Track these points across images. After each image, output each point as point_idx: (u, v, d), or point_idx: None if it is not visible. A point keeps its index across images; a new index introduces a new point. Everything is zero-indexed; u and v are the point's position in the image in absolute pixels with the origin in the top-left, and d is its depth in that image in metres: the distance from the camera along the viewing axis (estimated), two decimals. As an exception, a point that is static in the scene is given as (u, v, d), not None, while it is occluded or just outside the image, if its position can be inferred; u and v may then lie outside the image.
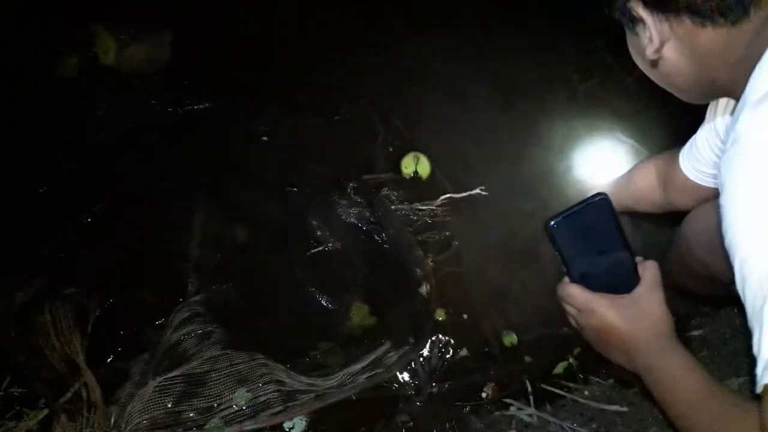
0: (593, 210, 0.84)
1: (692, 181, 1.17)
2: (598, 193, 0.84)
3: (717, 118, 1.03)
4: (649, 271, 0.88)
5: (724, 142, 1.00)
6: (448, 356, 1.61)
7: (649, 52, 0.79)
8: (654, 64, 0.83)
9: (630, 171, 1.45)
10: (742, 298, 0.65)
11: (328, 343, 1.63)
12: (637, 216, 1.55)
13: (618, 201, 1.39)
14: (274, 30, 2.19)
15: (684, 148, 1.19)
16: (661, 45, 0.78)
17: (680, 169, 1.18)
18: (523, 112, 2.02)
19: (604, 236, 0.86)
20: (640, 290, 0.87)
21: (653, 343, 0.83)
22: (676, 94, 0.90)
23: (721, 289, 1.20)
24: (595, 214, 0.84)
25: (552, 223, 0.84)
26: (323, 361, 1.58)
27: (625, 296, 0.87)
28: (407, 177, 1.92)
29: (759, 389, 0.61)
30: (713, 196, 1.14)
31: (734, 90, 0.75)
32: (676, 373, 0.80)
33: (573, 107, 2.06)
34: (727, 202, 0.66)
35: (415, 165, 1.91)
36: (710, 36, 0.73)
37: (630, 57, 0.91)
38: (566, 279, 0.90)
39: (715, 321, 1.59)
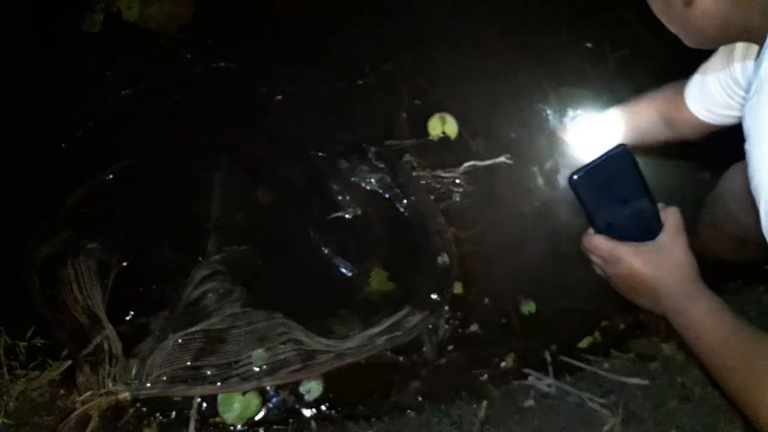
0: (614, 161, 0.86)
1: (700, 120, 1.17)
2: (619, 145, 0.86)
3: (735, 64, 1.04)
4: (671, 216, 0.90)
5: (746, 90, 1.01)
6: (459, 330, 1.60)
7: None
8: (687, 3, 0.80)
9: (630, 107, 1.45)
10: (766, 233, 0.65)
11: (346, 310, 1.63)
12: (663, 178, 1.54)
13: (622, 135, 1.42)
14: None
15: (690, 89, 1.20)
16: None
17: (687, 108, 1.17)
18: (551, 79, 1.97)
19: (626, 186, 0.87)
20: (664, 236, 0.88)
21: (679, 286, 0.85)
22: (690, 39, 0.88)
23: (754, 252, 1.20)
24: (616, 165, 0.86)
25: (575, 177, 0.86)
26: (341, 326, 1.58)
27: (649, 243, 0.88)
28: (435, 139, 1.89)
29: None
30: (721, 129, 1.18)
31: (760, 36, 0.74)
32: (703, 315, 0.81)
33: (603, 77, 2.01)
34: (753, 147, 0.67)
35: (443, 126, 1.88)
36: None
37: (662, 27, 0.89)
38: (591, 230, 0.92)
39: (741, 299, 1.56)
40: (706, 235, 1.43)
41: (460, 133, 1.89)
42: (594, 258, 0.93)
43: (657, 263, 0.86)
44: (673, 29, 0.88)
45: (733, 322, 0.79)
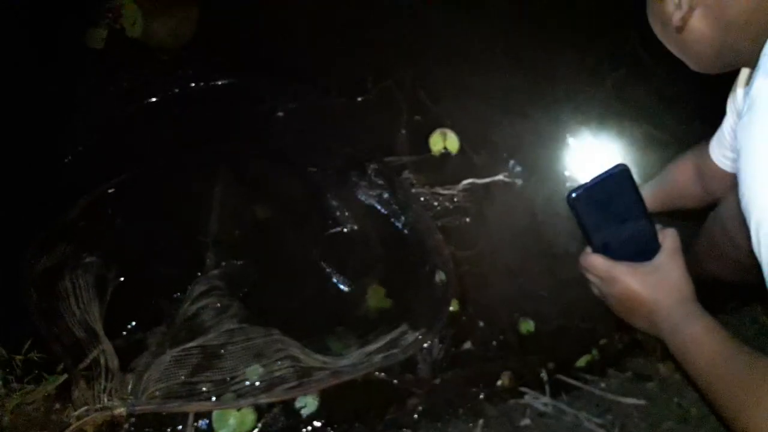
0: (613, 181, 0.86)
1: (723, 170, 1.16)
2: (618, 164, 0.86)
3: (738, 91, 1.04)
4: (669, 238, 0.90)
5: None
6: (456, 348, 1.60)
7: (677, 18, 0.78)
8: (679, 30, 0.81)
9: (666, 170, 1.44)
10: (759, 260, 0.65)
11: (343, 327, 1.63)
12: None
13: (660, 201, 1.40)
14: (300, 9, 2.17)
15: (713, 138, 1.19)
16: (689, 11, 0.77)
17: (711, 158, 1.17)
18: (550, 97, 2.00)
19: (625, 206, 0.87)
20: (661, 257, 0.88)
21: (675, 307, 0.84)
22: (692, 63, 0.89)
23: (752, 275, 1.19)
24: (615, 185, 0.86)
25: (573, 195, 0.86)
26: (337, 342, 1.58)
27: (647, 264, 0.88)
28: (437, 154, 1.91)
29: None
30: None
31: (752, 60, 0.74)
32: (699, 337, 0.80)
33: (601, 95, 2.03)
34: (743, 164, 0.67)
35: (444, 141, 1.90)
36: (739, 4, 0.73)
37: (662, 49, 0.91)
38: (588, 249, 0.92)
39: (738, 319, 1.56)
40: (704, 255, 1.43)
41: (461, 149, 1.91)
42: (591, 277, 0.93)
43: (654, 284, 0.86)
44: (674, 53, 0.89)
45: (729, 343, 0.78)
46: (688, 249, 1.28)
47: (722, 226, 1.28)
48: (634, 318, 0.90)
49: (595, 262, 0.90)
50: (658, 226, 0.91)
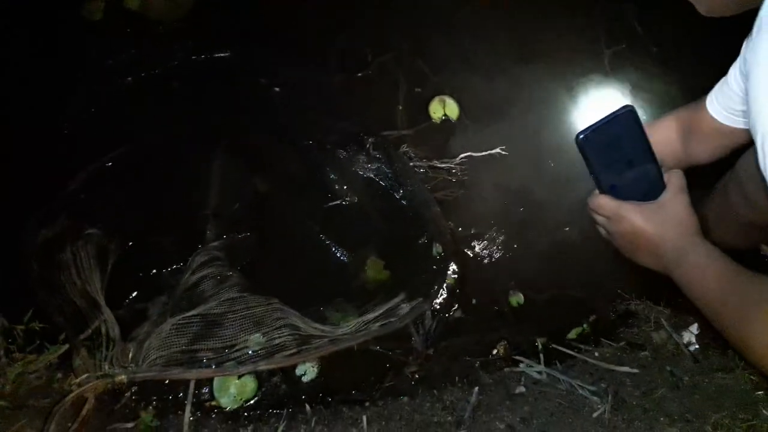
0: (620, 122, 0.87)
1: (720, 123, 1.16)
2: (625, 106, 0.87)
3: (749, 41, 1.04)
4: (674, 176, 0.92)
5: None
6: (452, 318, 1.62)
7: None
8: None
9: (646, 126, 1.44)
10: (764, 174, 0.66)
11: (342, 298, 1.65)
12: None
13: None
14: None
15: (712, 91, 1.19)
16: None
17: (707, 114, 1.18)
18: (548, 72, 1.99)
19: (631, 147, 0.89)
20: (667, 195, 0.91)
21: (680, 240, 0.87)
22: (703, 4, 0.86)
23: (756, 237, 1.19)
24: (622, 126, 0.88)
25: (581, 135, 0.87)
26: (336, 313, 1.60)
27: (652, 202, 0.91)
28: (438, 121, 1.92)
29: None
30: (736, 145, 1.17)
31: None
32: (703, 265, 0.83)
33: (598, 71, 2.02)
34: (752, 83, 0.68)
35: (443, 108, 1.92)
36: None
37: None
38: (596, 191, 0.94)
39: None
40: (713, 221, 1.43)
41: (460, 116, 1.92)
42: (598, 218, 0.96)
43: (659, 220, 0.89)
44: None
45: (731, 267, 0.81)
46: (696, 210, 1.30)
47: (738, 185, 1.28)
48: (640, 254, 0.93)
49: (603, 201, 0.93)
50: (663, 169, 0.93)
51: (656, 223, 0.89)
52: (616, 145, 0.88)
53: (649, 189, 0.92)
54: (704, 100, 1.19)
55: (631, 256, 0.95)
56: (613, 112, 0.87)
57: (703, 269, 0.83)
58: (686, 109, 1.29)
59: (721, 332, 0.80)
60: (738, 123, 1.13)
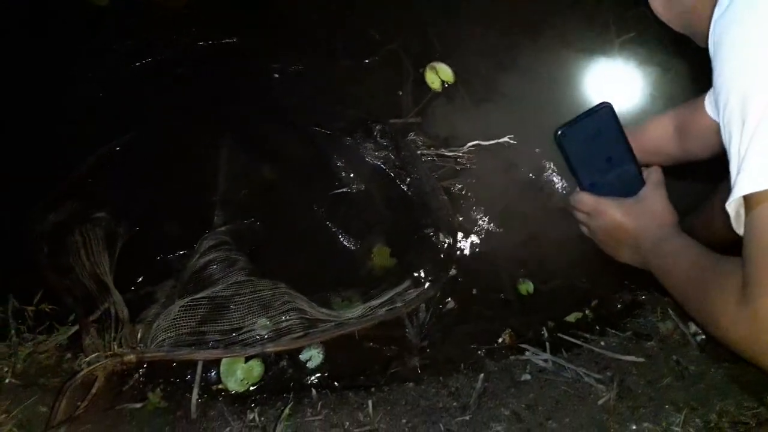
0: (598, 118, 0.89)
1: (716, 121, 1.16)
2: (602, 103, 0.89)
3: None
4: (653, 173, 0.94)
5: None
6: (457, 306, 1.63)
7: None
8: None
9: (642, 124, 1.44)
10: (723, 136, 0.68)
11: (348, 285, 1.65)
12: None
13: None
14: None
15: (710, 90, 1.19)
16: None
17: (704, 110, 1.18)
18: (558, 59, 1.98)
19: (610, 143, 0.91)
20: (646, 190, 0.93)
21: (658, 231, 0.89)
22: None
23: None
24: (601, 122, 0.89)
25: (559, 132, 0.89)
26: (341, 300, 1.60)
27: (632, 197, 0.93)
28: (439, 89, 1.95)
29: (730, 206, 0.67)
30: None
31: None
32: (677, 250, 0.85)
33: (608, 59, 2.01)
34: (718, 57, 0.69)
35: (438, 75, 1.95)
36: None
37: None
38: (577, 188, 0.97)
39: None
40: (699, 227, 1.43)
41: (456, 80, 1.96)
42: (579, 215, 0.98)
43: (638, 213, 0.91)
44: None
45: (704, 252, 0.81)
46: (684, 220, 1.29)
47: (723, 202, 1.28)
48: (621, 250, 0.95)
49: (583, 197, 0.95)
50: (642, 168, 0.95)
51: (635, 217, 0.91)
52: (595, 142, 0.90)
53: (628, 186, 0.94)
54: (702, 98, 1.20)
55: (612, 252, 0.97)
56: (592, 108, 0.89)
57: (676, 257, 0.84)
58: (684, 106, 1.30)
59: (691, 313, 0.80)
60: None
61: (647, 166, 1.00)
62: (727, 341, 0.69)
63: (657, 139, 1.38)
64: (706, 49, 0.89)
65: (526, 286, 1.67)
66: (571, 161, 0.92)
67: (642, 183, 0.94)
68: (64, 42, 1.95)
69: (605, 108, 0.88)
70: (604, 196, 0.93)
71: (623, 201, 0.93)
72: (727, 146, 0.68)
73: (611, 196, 0.93)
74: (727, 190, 1.21)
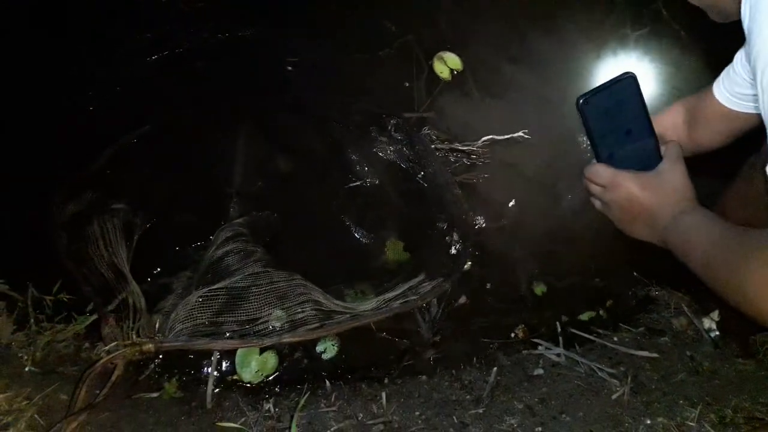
0: (621, 88, 0.87)
1: (726, 107, 1.16)
2: (626, 72, 0.87)
3: None
4: (671, 147, 0.92)
5: None
6: (470, 301, 1.63)
7: None
8: None
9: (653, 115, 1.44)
10: (762, 106, 0.67)
11: (362, 278, 1.66)
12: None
13: None
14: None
15: (719, 77, 1.19)
16: None
17: (714, 99, 1.18)
18: (573, 54, 1.98)
19: (631, 115, 0.89)
20: (664, 164, 0.90)
21: (676, 206, 0.87)
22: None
23: None
24: (623, 93, 0.87)
25: (581, 99, 0.87)
26: (356, 293, 1.61)
27: (650, 171, 0.91)
28: (448, 78, 1.98)
29: None
30: (740, 130, 1.17)
31: None
32: (698, 223, 0.83)
33: (624, 53, 2.01)
34: (754, 23, 0.68)
35: (446, 64, 1.96)
36: None
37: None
38: (594, 160, 0.94)
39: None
40: (733, 204, 1.42)
41: (463, 67, 1.97)
42: (594, 187, 0.95)
43: (656, 187, 0.89)
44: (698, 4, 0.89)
45: (726, 225, 0.80)
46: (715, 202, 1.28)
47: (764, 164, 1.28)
48: (636, 226, 0.92)
49: (600, 169, 0.92)
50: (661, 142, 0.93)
51: (653, 191, 0.88)
52: (616, 112, 0.88)
53: (646, 160, 0.91)
54: (711, 87, 1.19)
55: (627, 227, 0.94)
56: (615, 78, 0.86)
57: (698, 229, 0.83)
58: (693, 96, 1.29)
59: (716, 290, 0.79)
60: (743, 107, 1.14)
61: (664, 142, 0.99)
62: (755, 311, 0.69)
63: (668, 128, 1.38)
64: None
65: (540, 288, 1.68)
66: (591, 130, 0.90)
67: (660, 159, 0.92)
68: (82, 36, 1.97)
69: (629, 78, 0.87)
70: (622, 169, 0.91)
71: (641, 174, 0.90)
72: (764, 112, 0.67)
73: (629, 169, 0.91)
74: (766, 155, 1.21)
